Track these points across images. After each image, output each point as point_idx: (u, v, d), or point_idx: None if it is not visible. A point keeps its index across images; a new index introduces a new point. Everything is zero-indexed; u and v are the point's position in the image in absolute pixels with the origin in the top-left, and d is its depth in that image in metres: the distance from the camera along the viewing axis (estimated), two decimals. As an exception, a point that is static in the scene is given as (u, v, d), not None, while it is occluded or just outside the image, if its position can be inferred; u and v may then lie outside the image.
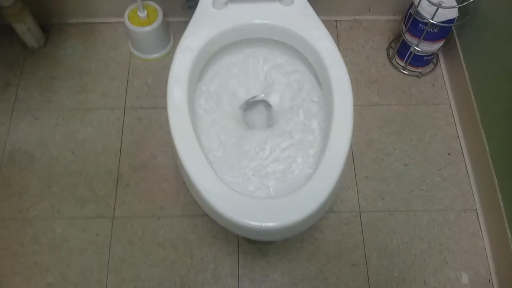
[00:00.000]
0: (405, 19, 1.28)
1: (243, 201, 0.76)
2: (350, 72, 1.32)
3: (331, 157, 0.80)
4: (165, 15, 1.29)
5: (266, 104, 0.98)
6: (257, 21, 0.93)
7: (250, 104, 0.99)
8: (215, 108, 0.95)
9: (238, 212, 0.75)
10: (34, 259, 1.09)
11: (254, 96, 0.98)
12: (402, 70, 1.34)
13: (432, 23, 1.16)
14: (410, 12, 1.23)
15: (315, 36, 0.92)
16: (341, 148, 0.80)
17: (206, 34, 0.91)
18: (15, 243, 1.10)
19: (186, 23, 0.93)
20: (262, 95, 0.98)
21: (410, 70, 1.34)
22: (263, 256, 1.10)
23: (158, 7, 1.27)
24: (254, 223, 0.74)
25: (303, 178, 0.86)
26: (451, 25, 1.18)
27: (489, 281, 1.08)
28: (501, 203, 1.06)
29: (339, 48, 1.35)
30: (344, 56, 1.34)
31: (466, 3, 1.14)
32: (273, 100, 0.97)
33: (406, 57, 1.31)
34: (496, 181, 1.09)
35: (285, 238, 1.07)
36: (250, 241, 1.11)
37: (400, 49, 1.33)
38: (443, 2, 1.14)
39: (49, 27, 1.38)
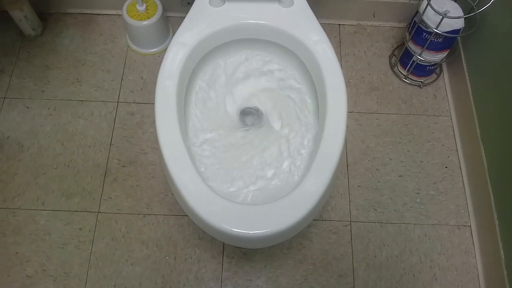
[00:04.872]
0: (409, 27, 1.25)
1: (226, 206, 0.73)
2: (350, 78, 1.31)
3: (319, 167, 0.77)
4: (164, 10, 1.26)
5: (257, 110, 0.96)
6: (253, 21, 0.91)
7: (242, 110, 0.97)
8: (206, 108, 0.93)
9: (220, 218, 0.72)
10: (15, 250, 1.07)
11: (249, 107, 0.95)
12: (404, 79, 1.31)
13: (437, 33, 1.13)
14: (414, 20, 1.20)
15: (313, 40, 0.89)
16: (331, 159, 0.77)
17: (201, 31, 0.89)
18: (-3, 233, 1.09)
19: (185, 19, 0.91)
20: (255, 102, 0.95)
21: (412, 79, 1.31)
22: (248, 260, 1.07)
23: (158, 2, 1.25)
24: (237, 230, 0.72)
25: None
26: (456, 35, 1.15)
27: (479, 301, 1.06)
28: (496, 222, 1.03)
29: (340, 53, 1.33)
30: (345, 61, 1.32)
31: (473, 14, 1.10)
32: (265, 107, 0.95)
33: (409, 65, 1.28)
34: (492, 198, 1.06)
35: (268, 246, 1.04)
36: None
37: (403, 58, 1.30)
38: (449, 11, 1.11)
39: (47, 15, 1.36)
